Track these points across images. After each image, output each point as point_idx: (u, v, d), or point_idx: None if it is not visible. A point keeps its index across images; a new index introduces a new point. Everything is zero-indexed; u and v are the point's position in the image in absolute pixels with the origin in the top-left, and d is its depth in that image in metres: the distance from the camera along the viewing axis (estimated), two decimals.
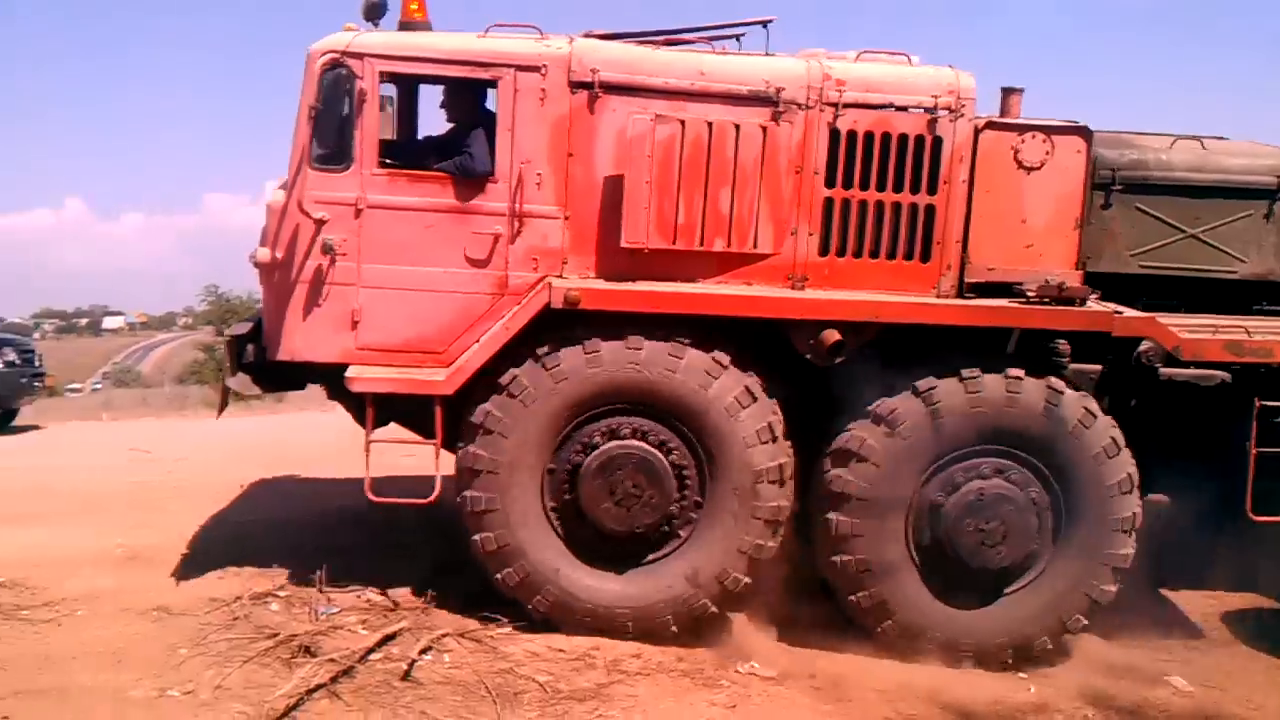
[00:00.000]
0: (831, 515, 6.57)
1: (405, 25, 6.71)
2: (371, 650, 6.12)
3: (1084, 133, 6.85)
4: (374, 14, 6.59)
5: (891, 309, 6.59)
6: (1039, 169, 6.80)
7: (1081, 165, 6.85)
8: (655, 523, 6.55)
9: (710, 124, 6.54)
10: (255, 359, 6.87)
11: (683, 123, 6.52)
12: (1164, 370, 6.71)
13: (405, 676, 5.92)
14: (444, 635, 6.44)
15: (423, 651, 6.19)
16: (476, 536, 6.53)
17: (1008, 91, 7.12)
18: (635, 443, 6.52)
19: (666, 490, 6.51)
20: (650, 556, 6.67)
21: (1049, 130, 6.81)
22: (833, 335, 6.49)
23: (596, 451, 6.50)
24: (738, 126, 6.55)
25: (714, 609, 6.59)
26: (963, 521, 6.56)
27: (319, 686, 5.64)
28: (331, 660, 5.92)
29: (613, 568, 6.64)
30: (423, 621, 6.65)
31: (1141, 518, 6.70)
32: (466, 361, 6.48)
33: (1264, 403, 6.75)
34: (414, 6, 6.70)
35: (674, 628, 6.58)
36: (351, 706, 5.52)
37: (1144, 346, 6.69)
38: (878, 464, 6.51)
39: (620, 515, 6.50)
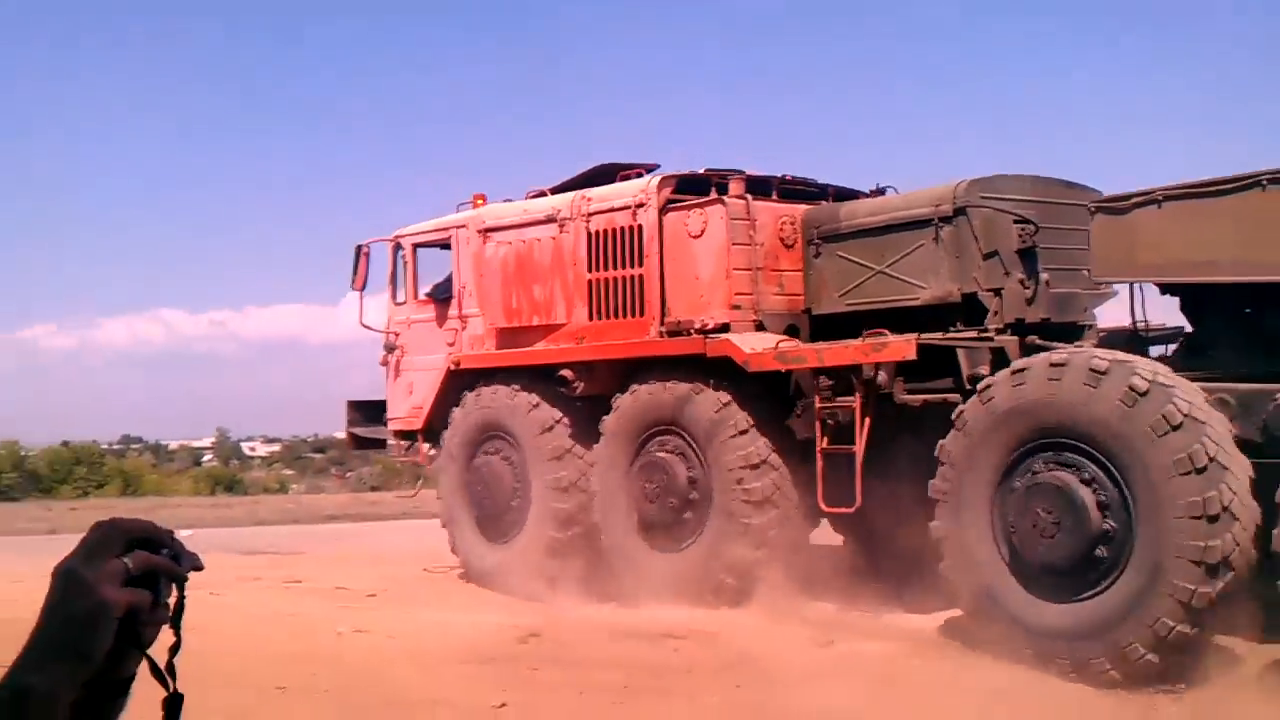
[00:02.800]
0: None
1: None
2: None
3: (721, 200, 8.61)
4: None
5: (603, 350, 9.24)
6: (700, 236, 8.76)
7: (724, 227, 8.59)
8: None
9: (525, 241, 10.00)
10: None
11: (510, 243, 10.10)
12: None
13: None
14: None
15: None
16: None
17: (730, 172, 9.09)
18: (489, 457, 10.07)
19: (505, 486, 9.92)
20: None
21: (701, 204, 8.74)
22: (568, 373, 9.39)
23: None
24: (539, 240, 9.89)
25: None
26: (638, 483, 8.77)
27: None
28: None
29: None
30: None
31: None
32: (425, 409, 10.80)
33: (823, 405, 7.67)
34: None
35: None
36: None
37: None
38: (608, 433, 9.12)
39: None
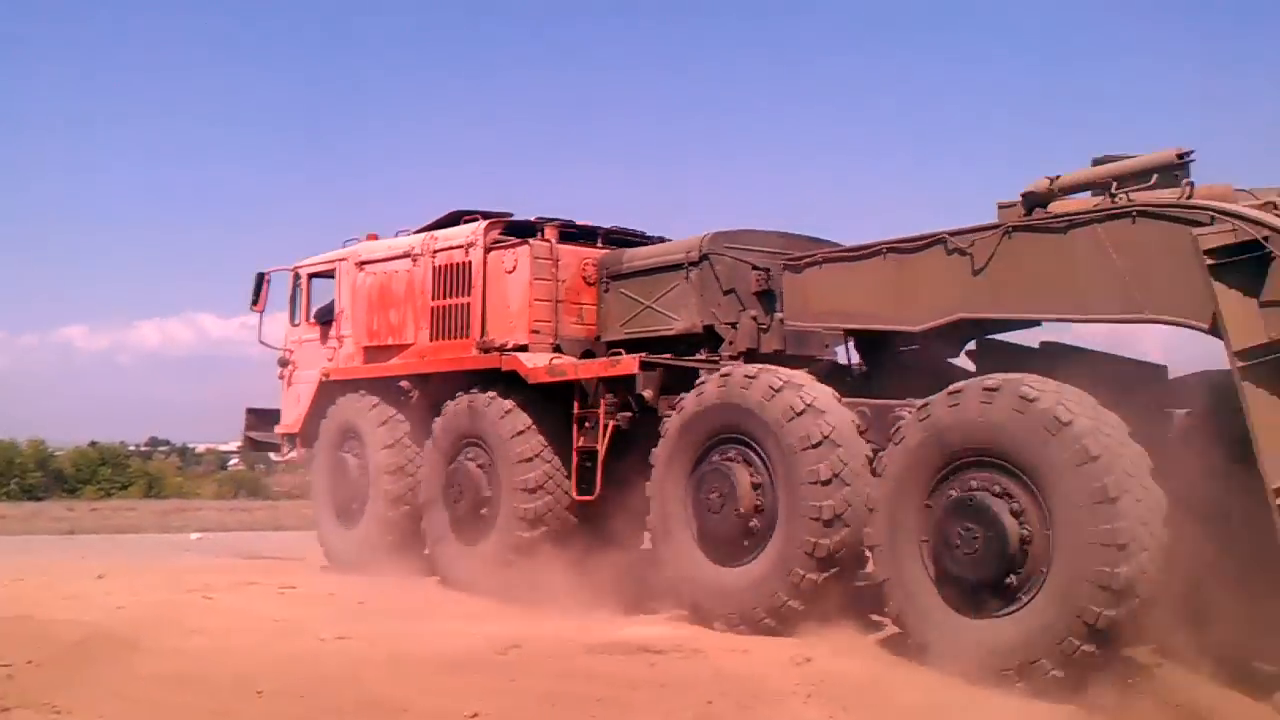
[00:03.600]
0: None
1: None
2: None
3: (527, 243, 10.31)
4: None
5: (429, 365, 10.95)
6: (512, 272, 10.46)
7: (528, 265, 10.28)
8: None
9: (386, 273, 11.73)
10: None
11: (376, 275, 11.83)
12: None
13: None
14: None
15: None
16: None
17: (552, 221, 10.79)
18: (345, 454, 11.78)
19: (355, 479, 11.61)
20: None
21: (513, 245, 10.45)
22: (405, 384, 11.08)
23: None
24: (397, 273, 11.62)
25: None
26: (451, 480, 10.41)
27: None
28: None
29: None
30: None
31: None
32: (298, 419, 12.54)
33: (579, 410, 9.32)
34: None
35: None
36: None
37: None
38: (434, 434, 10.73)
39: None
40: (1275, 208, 6.74)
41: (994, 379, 6.81)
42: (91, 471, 32.97)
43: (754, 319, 9.38)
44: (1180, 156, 6.84)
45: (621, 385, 9.36)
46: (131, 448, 30.12)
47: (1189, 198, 6.67)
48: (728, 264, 9.47)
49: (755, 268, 9.43)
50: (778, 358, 9.14)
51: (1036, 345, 7.94)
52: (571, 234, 10.94)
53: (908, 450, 7.13)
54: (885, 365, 8.75)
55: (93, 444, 34.96)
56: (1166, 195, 6.79)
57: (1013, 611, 6.63)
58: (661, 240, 11.14)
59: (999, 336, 8.17)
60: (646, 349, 9.57)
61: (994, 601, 6.71)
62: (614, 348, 10.02)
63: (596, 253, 10.69)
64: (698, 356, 9.39)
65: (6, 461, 32.72)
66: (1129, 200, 6.96)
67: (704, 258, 9.49)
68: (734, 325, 9.40)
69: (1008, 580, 6.63)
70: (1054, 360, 7.35)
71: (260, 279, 13.27)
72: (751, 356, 9.22)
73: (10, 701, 6.10)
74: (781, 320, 9.06)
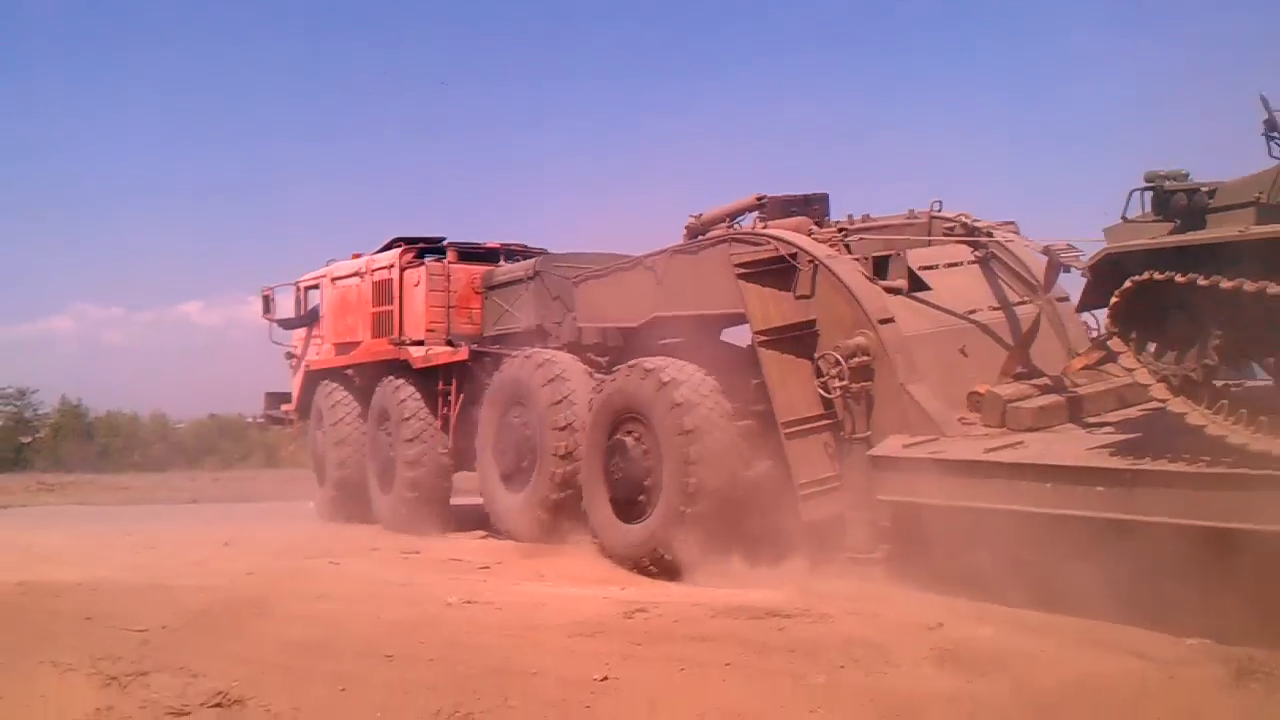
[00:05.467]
0: None
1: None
2: None
3: (423, 263, 13.71)
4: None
5: (360, 354, 14.46)
6: (417, 285, 13.89)
7: (425, 280, 13.68)
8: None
9: (347, 287, 15.33)
10: None
11: (341, 289, 15.45)
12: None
13: None
14: None
15: None
16: None
17: (452, 244, 14.18)
18: (315, 429, 15.47)
19: (319, 448, 15.28)
20: None
21: (414, 265, 13.86)
22: (349, 371, 14.68)
23: None
24: (352, 287, 15.21)
25: None
26: (377, 444, 13.93)
27: None
28: None
29: None
30: None
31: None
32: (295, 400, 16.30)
33: (441, 385, 12.71)
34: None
35: None
36: None
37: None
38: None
39: None
40: (844, 234, 9.62)
41: (636, 360, 9.86)
42: (212, 443, 33.99)
43: (574, 319, 12.51)
44: (758, 199, 9.74)
45: (462, 367, 12.73)
46: (249, 419, 30.55)
47: (764, 228, 9.59)
48: (554, 279, 12.64)
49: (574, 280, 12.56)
50: (584, 346, 12.18)
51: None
52: (476, 253, 14.29)
53: (595, 409, 10.26)
54: (632, 350, 11.69)
55: (211, 416, 35.84)
56: (747, 228, 9.71)
57: (644, 519, 9.70)
58: (544, 253, 14.34)
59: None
60: (511, 344, 12.89)
61: (635, 511, 9.79)
62: (492, 340, 13.32)
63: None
64: (525, 348, 12.60)
65: (130, 435, 34.17)
66: (763, 227, 9.88)
67: (537, 274, 12.70)
68: (559, 324, 12.54)
69: (640, 497, 9.70)
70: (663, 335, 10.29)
71: (266, 297, 17.08)
72: (572, 346, 12.31)
73: (147, 665, 6.33)
74: (574, 319, 12.17)
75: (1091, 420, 8.46)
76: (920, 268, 9.46)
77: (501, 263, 14.23)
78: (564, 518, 10.91)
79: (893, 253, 9.44)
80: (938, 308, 9.25)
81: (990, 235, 9.81)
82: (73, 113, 58.13)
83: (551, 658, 6.36)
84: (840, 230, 9.76)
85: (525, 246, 14.55)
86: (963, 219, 10.02)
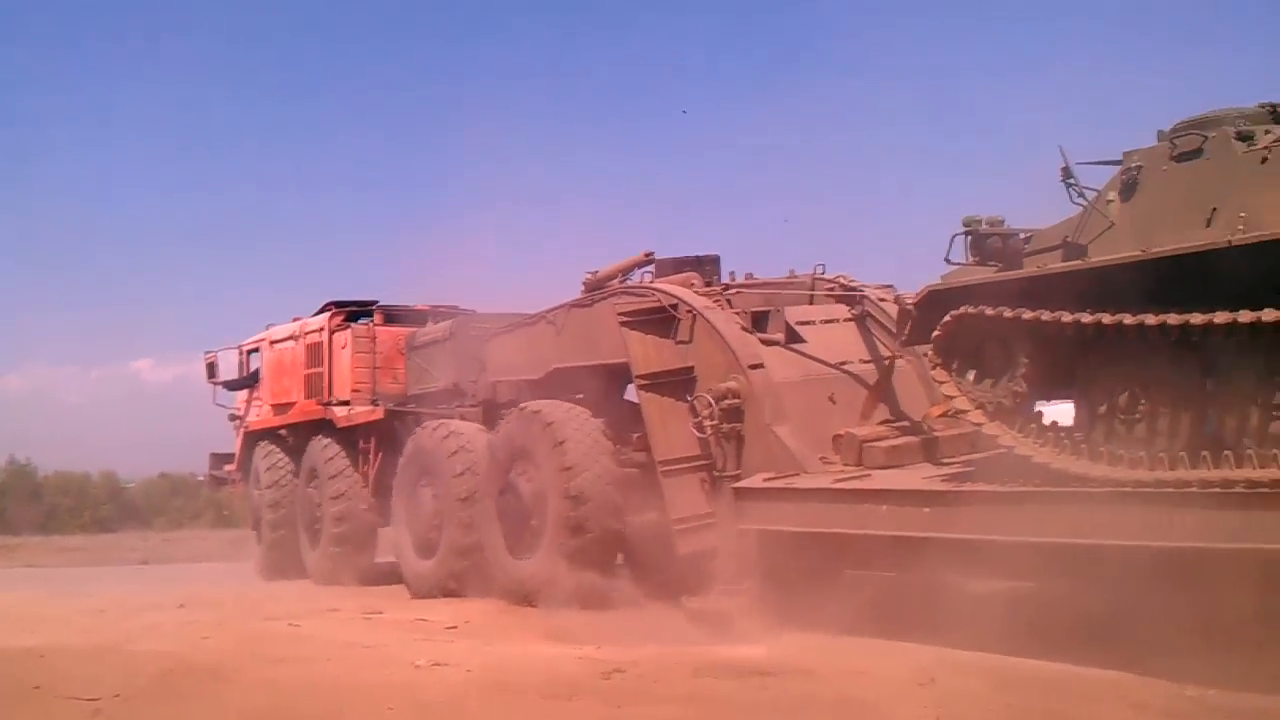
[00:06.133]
0: None
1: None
2: None
3: (349, 327, 14.32)
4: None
5: (293, 415, 14.95)
6: (344, 348, 14.48)
7: (351, 343, 14.27)
8: None
9: (282, 350, 15.89)
10: None
11: (276, 351, 16.00)
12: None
13: None
14: None
15: None
16: None
17: (380, 308, 14.81)
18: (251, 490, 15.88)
19: (256, 506, 15.66)
20: None
21: (342, 329, 14.46)
22: (283, 432, 15.15)
23: None
24: (287, 349, 15.77)
25: None
26: (306, 502, 14.34)
27: None
28: None
29: None
30: None
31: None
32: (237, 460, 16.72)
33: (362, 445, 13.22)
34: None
35: None
36: None
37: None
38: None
39: None
40: (726, 289, 10.29)
41: (523, 405, 10.45)
42: (162, 502, 33.56)
43: (487, 376, 13.08)
44: (647, 255, 10.45)
45: (382, 426, 13.28)
46: (200, 477, 28.09)
47: (651, 283, 10.27)
48: (470, 339, 13.22)
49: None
50: (498, 404, 12.71)
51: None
52: (406, 315, 14.92)
53: (489, 453, 10.80)
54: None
55: (162, 475, 35.19)
56: (635, 283, 10.39)
57: (533, 555, 10.17)
58: (469, 313, 14.89)
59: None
60: (430, 403, 13.42)
61: (524, 548, 10.26)
62: (412, 400, 13.86)
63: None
64: (439, 407, 13.13)
65: (80, 494, 33.41)
66: (651, 281, 10.56)
67: (453, 334, 13.31)
68: (474, 382, 13.10)
69: (529, 532, 10.18)
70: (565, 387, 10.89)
71: (209, 362, 17.62)
72: (487, 404, 12.82)
73: None
74: (487, 376, 12.74)
75: (944, 460, 9.03)
76: (798, 322, 10.12)
77: (429, 324, 14.83)
78: (468, 584, 11.35)
79: (771, 309, 10.12)
80: (811, 358, 9.87)
81: (865, 295, 10.48)
82: (15, 167, 58.54)
83: None
84: (724, 287, 10.44)
85: (456, 307, 15.14)
86: (841, 280, 10.72)
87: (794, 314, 10.20)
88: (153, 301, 60.24)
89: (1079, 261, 6.97)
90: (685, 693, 6.55)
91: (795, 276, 10.90)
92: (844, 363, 9.98)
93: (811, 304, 10.65)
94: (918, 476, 8.15)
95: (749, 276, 10.85)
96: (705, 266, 11.02)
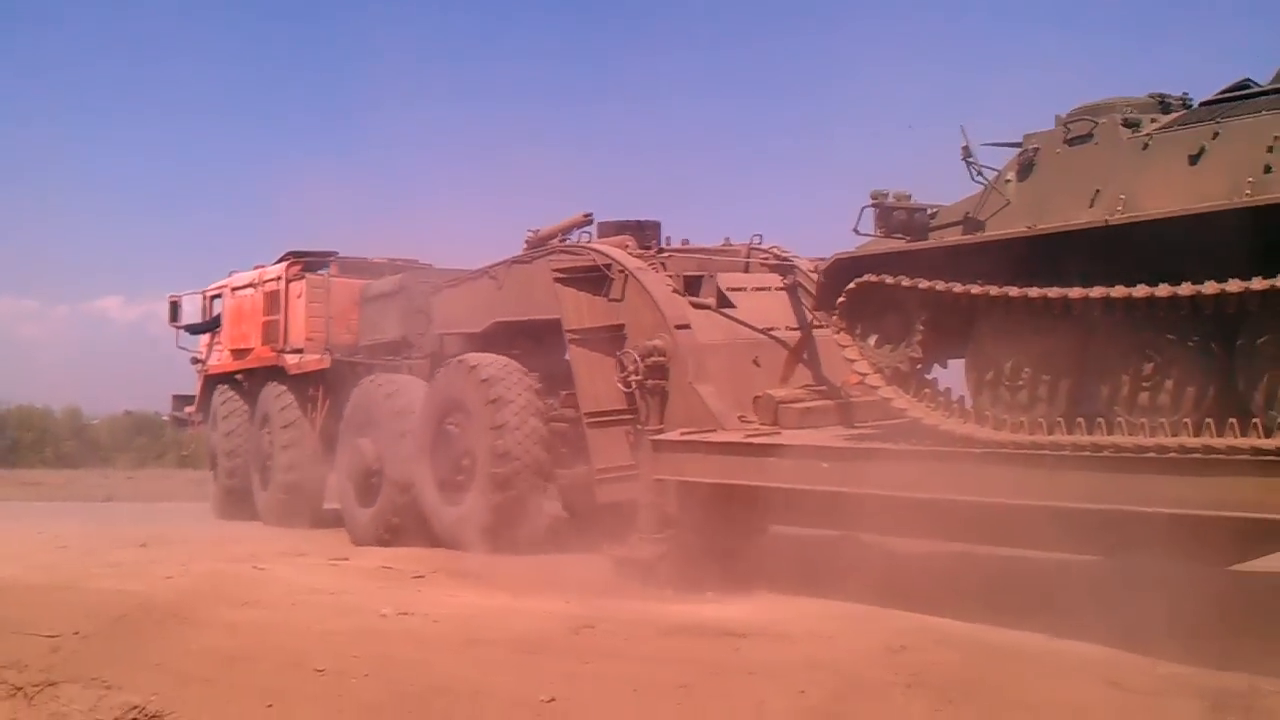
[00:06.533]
0: None
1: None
2: None
3: (304, 277, 14.61)
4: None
5: (249, 360, 15.26)
6: (299, 297, 14.77)
7: (305, 293, 14.57)
8: None
9: (243, 297, 16.17)
10: None
11: (237, 298, 16.28)
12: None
13: None
14: None
15: None
16: None
17: (337, 259, 15.09)
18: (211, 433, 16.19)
19: (213, 446, 15.98)
20: None
21: (297, 279, 14.75)
22: (239, 376, 15.48)
23: None
24: (247, 296, 16.05)
25: None
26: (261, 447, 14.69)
27: None
28: None
29: None
30: None
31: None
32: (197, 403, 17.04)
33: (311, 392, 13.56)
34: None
35: None
36: None
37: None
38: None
39: None
40: (660, 252, 10.64)
41: (460, 357, 10.82)
42: (126, 440, 33.16)
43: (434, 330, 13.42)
44: (586, 216, 10.80)
45: (332, 375, 13.63)
46: (165, 417, 30.04)
47: (588, 243, 10.62)
48: (419, 292, 13.52)
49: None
50: (444, 356, 13.00)
51: None
52: (360, 266, 15.21)
53: (425, 403, 11.18)
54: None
55: (127, 413, 34.59)
56: (573, 243, 10.74)
57: (465, 498, 10.58)
58: (426, 267, 15.18)
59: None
60: (381, 353, 13.77)
61: (455, 493, 10.66)
62: (363, 351, 14.19)
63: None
64: (387, 359, 13.46)
65: (41, 429, 33.04)
66: (589, 241, 10.91)
67: (403, 287, 13.62)
68: (422, 335, 13.43)
69: (459, 478, 10.57)
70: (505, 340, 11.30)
71: (173, 304, 17.87)
72: (434, 356, 13.13)
73: (57, 675, 6.00)
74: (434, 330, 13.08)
75: (857, 424, 9.43)
76: (729, 289, 10.48)
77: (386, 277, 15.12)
78: (404, 533, 11.70)
79: (704, 274, 10.48)
80: (740, 322, 10.24)
81: (796, 266, 10.85)
82: None
83: (495, 676, 6.02)
84: (659, 250, 10.79)
85: (415, 261, 15.43)
86: (775, 250, 11.08)
87: (726, 280, 10.55)
88: (123, 239, 59.53)
89: (971, 236, 7.35)
90: (654, 651, 6.53)
91: (730, 244, 11.26)
92: (771, 329, 10.34)
93: (746, 272, 11.00)
94: (825, 435, 8.54)
95: (685, 243, 11.19)
96: (645, 231, 11.34)
